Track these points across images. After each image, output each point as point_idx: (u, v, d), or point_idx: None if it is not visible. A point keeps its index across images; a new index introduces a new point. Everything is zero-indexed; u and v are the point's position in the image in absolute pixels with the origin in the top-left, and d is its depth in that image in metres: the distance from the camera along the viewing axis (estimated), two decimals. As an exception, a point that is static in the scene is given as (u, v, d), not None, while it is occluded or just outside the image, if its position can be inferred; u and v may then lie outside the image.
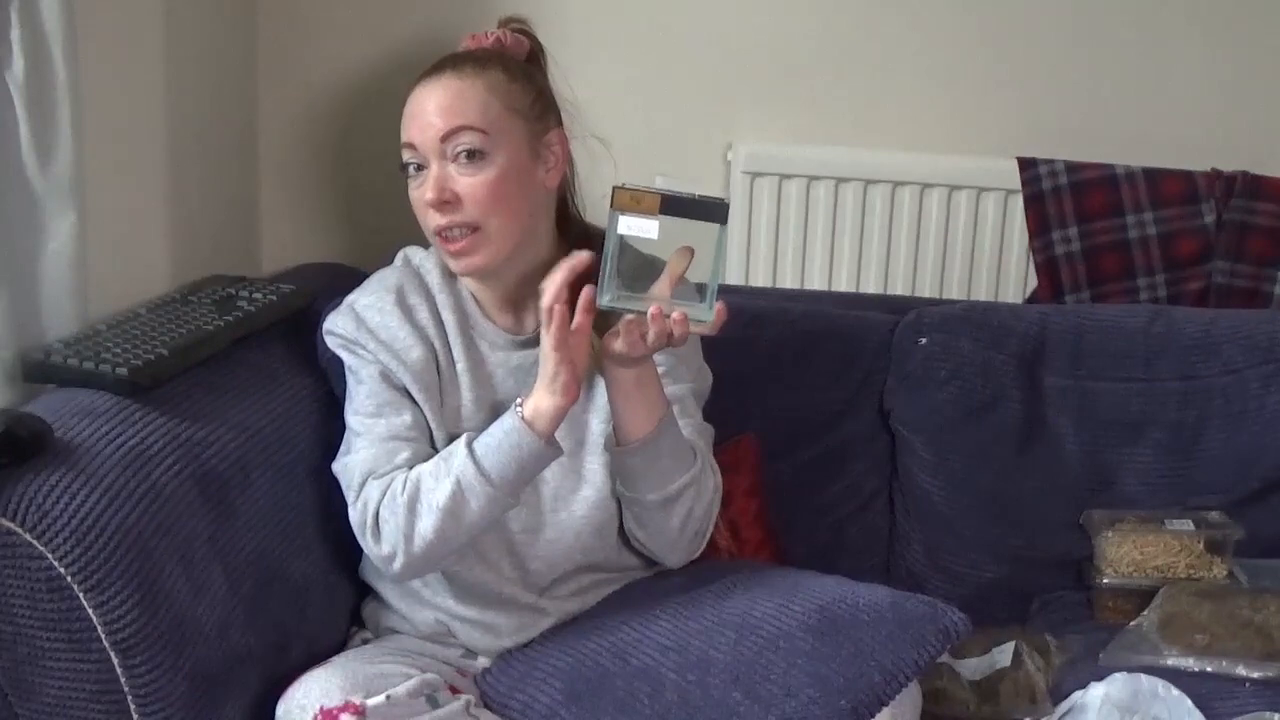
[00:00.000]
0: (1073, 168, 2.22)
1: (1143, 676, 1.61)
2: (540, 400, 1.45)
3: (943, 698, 1.64)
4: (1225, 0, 2.22)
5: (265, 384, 1.64)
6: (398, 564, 1.48)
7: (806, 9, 2.23)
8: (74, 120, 1.46)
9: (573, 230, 1.64)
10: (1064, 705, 1.62)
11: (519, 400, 1.47)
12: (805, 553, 1.86)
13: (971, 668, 1.68)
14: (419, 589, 1.58)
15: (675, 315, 1.41)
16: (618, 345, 1.46)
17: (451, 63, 1.55)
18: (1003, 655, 1.69)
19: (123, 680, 1.27)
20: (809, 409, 1.95)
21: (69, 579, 1.25)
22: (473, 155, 1.50)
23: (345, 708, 1.33)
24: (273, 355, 1.70)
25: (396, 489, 1.47)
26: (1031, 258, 2.26)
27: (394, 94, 2.22)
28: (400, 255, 1.65)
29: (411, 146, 1.53)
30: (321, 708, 1.34)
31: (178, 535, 1.37)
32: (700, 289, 1.43)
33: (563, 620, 1.59)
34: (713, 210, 1.40)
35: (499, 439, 1.47)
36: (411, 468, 1.50)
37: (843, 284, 2.27)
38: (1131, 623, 1.75)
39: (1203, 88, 2.24)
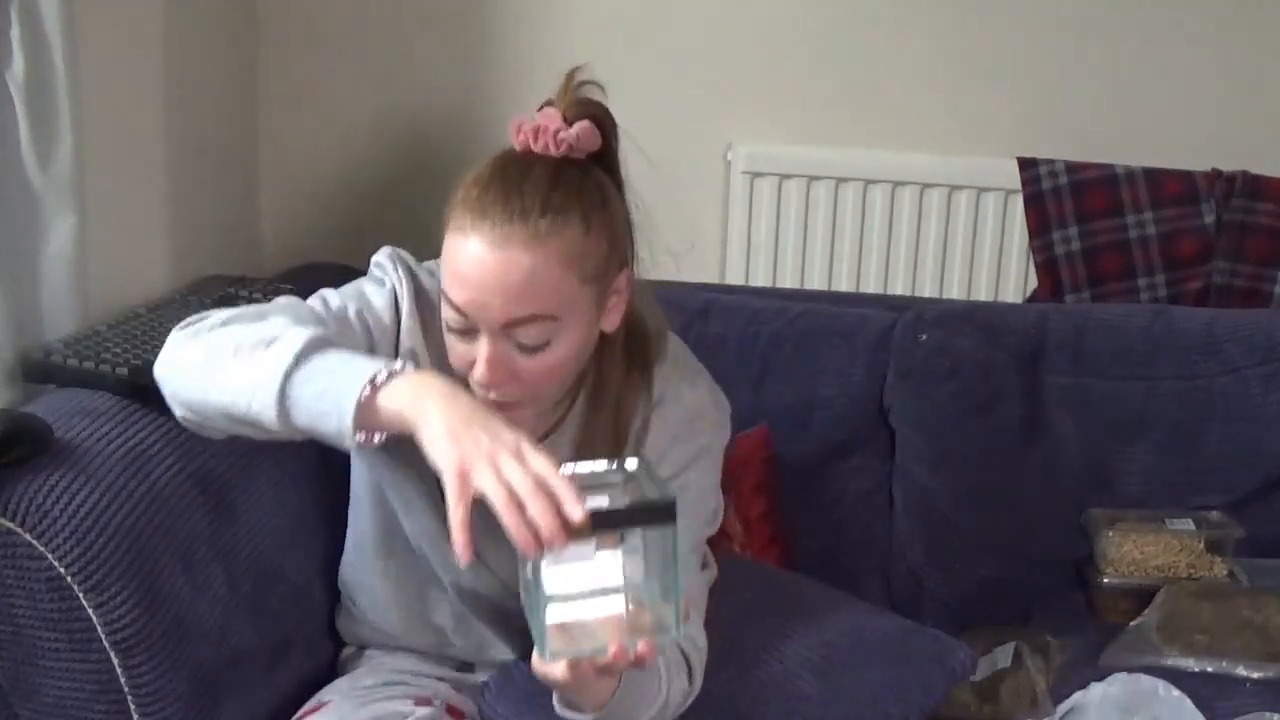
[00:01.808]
0: (1073, 168, 2.22)
1: (1143, 676, 1.61)
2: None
3: (943, 698, 1.64)
4: (1225, 0, 2.22)
5: (265, 384, 1.64)
6: (165, 348, 1.27)
7: (806, 9, 2.23)
8: (74, 120, 1.46)
9: (628, 343, 1.38)
10: (1064, 705, 1.61)
11: (385, 370, 1.15)
12: (806, 551, 1.86)
13: (971, 668, 1.68)
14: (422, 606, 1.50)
15: (641, 648, 1.10)
16: (558, 677, 1.13)
17: (521, 214, 1.21)
18: (1003, 656, 1.69)
19: (123, 680, 1.27)
20: (810, 408, 1.95)
21: (69, 579, 1.25)
22: (535, 346, 1.24)
23: None
24: (273, 355, 1.70)
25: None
26: (1031, 258, 2.26)
27: (394, 94, 2.23)
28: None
29: (459, 313, 1.24)
30: None
31: (178, 535, 1.37)
32: (660, 587, 1.11)
33: None
34: (655, 513, 1.10)
35: (324, 388, 1.15)
36: None
37: (843, 284, 2.27)
38: (1131, 623, 1.75)
39: (1203, 88, 2.24)
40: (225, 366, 1.19)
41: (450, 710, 1.43)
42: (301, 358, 1.16)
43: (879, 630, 1.47)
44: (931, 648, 1.46)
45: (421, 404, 1.12)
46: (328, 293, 1.38)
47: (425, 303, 1.37)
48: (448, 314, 1.26)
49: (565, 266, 1.22)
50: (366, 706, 1.39)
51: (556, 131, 1.25)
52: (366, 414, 1.13)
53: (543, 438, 1.38)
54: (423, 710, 1.39)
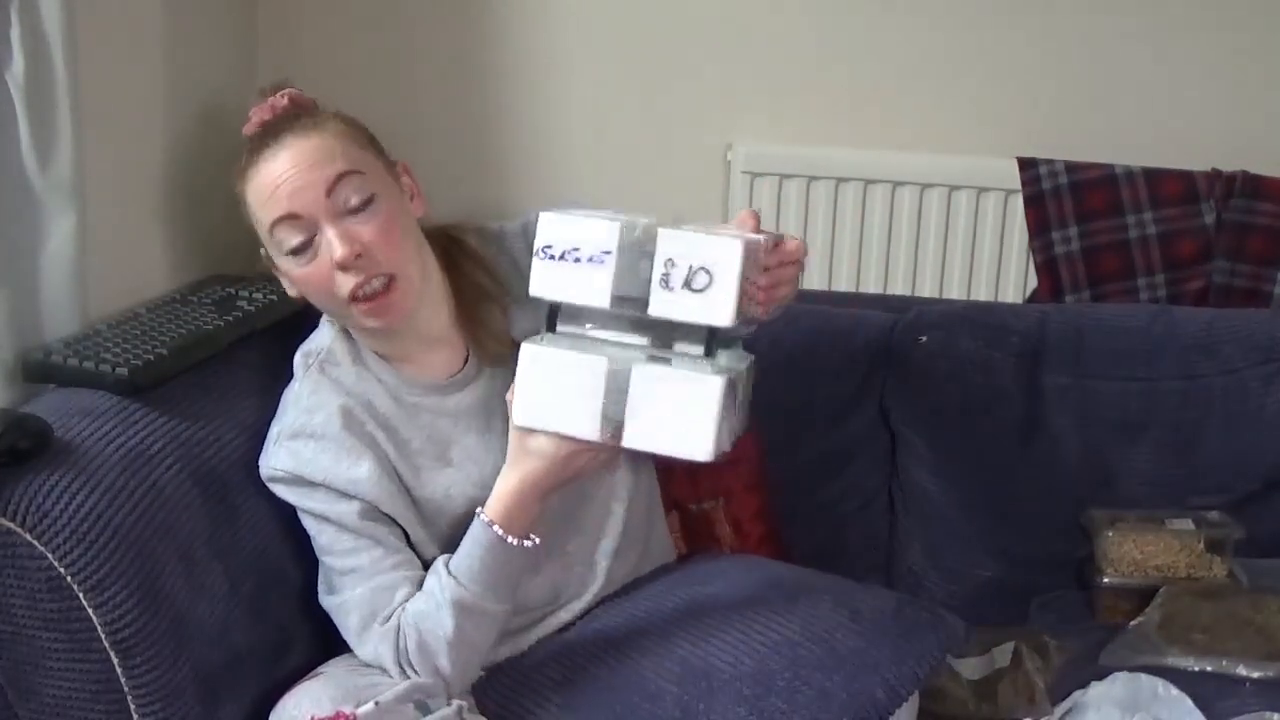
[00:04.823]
0: (1073, 168, 2.22)
1: (1143, 676, 1.61)
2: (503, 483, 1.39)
3: (942, 697, 1.64)
4: (1226, 1, 2.22)
5: (265, 384, 1.64)
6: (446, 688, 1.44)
7: (806, 10, 2.23)
8: (74, 120, 1.46)
9: (439, 246, 1.54)
10: (1064, 705, 1.62)
11: (479, 510, 1.41)
12: (805, 551, 1.86)
13: (971, 667, 1.68)
14: None
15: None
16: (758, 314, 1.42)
17: (285, 126, 1.43)
18: (1002, 655, 1.69)
19: (123, 680, 1.27)
20: (809, 408, 1.95)
21: (69, 579, 1.25)
22: (362, 202, 1.41)
23: (336, 718, 1.33)
24: (273, 355, 1.69)
25: (407, 634, 1.41)
26: (1031, 258, 2.26)
27: (394, 95, 2.23)
28: (299, 364, 1.54)
29: (293, 217, 1.40)
30: (313, 717, 1.33)
31: (178, 535, 1.37)
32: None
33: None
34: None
35: (474, 554, 1.40)
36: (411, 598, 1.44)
37: (843, 284, 2.27)
38: (1131, 623, 1.75)
39: (1203, 88, 2.24)
40: (466, 645, 1.41)
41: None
42: (467, 589, 1.39)
43: (875, 601, 1.49)
44: (926, 618, 1.48)
45: (516, 495, 1.38)
46: (337, 562, 1.46)
47: (348, 363, 1.52)
48: (284, 237, 1.41)
49: (341, 137, 1.43)
50: (361, 675, 1.41)
51: (281, 94, 1.48)
52: (514, 530, 1.39)
53: (459, 370, 1.53)
54: (420, 681, 1.40)
